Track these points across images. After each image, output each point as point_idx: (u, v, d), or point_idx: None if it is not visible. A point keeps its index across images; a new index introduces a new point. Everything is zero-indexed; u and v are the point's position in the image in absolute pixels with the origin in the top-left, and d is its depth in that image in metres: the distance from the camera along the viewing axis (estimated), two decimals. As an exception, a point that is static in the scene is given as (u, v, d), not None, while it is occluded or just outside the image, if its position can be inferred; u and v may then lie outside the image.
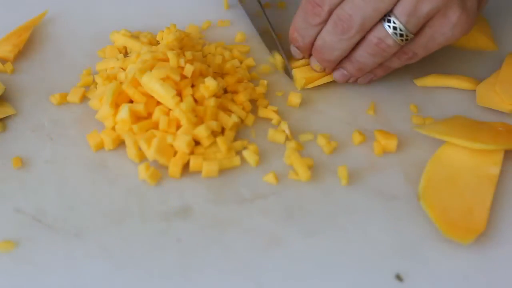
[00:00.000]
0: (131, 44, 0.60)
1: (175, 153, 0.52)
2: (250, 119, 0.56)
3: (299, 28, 0.56)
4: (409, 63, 0.56)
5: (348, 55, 0.55)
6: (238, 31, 0.64)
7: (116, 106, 0.53)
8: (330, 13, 0.53)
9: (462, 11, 0.52)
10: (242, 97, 0.56)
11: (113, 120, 0.53)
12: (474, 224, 0.49)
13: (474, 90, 0.59)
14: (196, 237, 0.48)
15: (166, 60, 0.54)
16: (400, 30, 0.52)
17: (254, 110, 0.57)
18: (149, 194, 0.50)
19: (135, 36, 0.62)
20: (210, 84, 0.53)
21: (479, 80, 0.60)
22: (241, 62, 0.60)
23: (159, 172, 0.51)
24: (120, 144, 0.53)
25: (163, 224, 0.49)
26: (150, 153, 0.51)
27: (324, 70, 0.58)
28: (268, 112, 0.56)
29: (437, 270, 0.47)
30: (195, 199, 0.50)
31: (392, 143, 0.54)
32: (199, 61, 0.55)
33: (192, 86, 0.54)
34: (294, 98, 0.58)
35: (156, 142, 0.51)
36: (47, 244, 0.47)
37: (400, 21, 0.51)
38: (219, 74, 0.58)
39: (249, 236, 0.48)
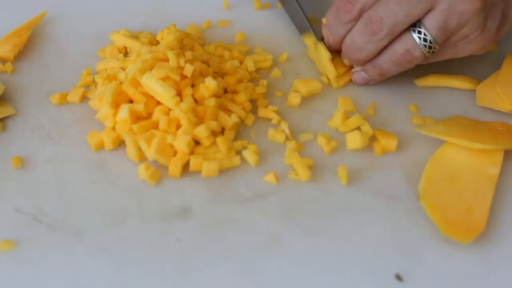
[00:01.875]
0: (131, 44, 0.60)
1: (175, 153, 0.52)
2: (250, 119, 0.56)
3: (330, 25, 0.57)
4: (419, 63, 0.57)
5: (371, 59, 0.56)
6: (238, 31, 0.64)
7: (116, 106, 0.53)
8: (361, 12, 0.54)
9: (481, 31, 0.53)
10: (242, 97, 0.56)
11: (113, 120, 0.53)
12: (474, 224, 0.49)
13: (474, 90, 0.59)
14: (196, 237, 0.48)
15: (166, 60, 0.54)
16: (430, 42, 0.53)
17: (254, 110, 0.57)
18: (149, 194, 0.50)
19: (135, 36, 0.62)
20: (210, 84, 0.53)
21: (479, 80, 0.60)
22: (241, 62, 0.60)
23: (159, 172, 0.51)
24: (120, 144, 0.53)
25: (163, 224, 0.48)
26: (150, 153, 0.51)
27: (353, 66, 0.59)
28: (268, 112, 0.56)
29: (437, 270, 0.47)
30: (195, 199, 0.50)
31: (392, 143, 0.54)
32: (199, 61, 0.55)
33: (192, 86, 0.54)
34: (294, 98, 0.57)
35: (156, 142, 0.51)
36: (47, 244, 0.47)
37: (430, 34, 0.53)
38: (219, 74, 0.58)
39: (249, 236, 0.48)
